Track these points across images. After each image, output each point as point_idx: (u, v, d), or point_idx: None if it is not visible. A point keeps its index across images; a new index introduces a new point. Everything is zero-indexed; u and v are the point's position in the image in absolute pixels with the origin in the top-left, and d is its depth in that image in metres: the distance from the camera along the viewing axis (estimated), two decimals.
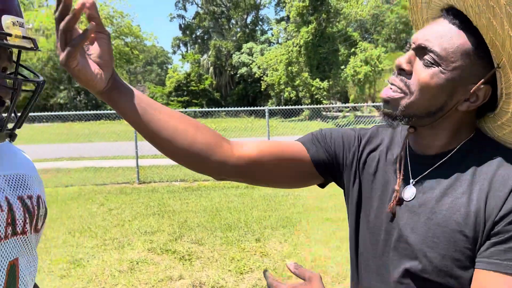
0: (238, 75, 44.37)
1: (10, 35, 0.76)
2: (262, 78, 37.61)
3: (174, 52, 57.51)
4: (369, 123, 20.04)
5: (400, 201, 0.86)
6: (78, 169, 10.78)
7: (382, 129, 1.01)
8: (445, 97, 0.79)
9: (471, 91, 0.78)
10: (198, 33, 53.22)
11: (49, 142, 15.77)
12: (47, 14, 38.69)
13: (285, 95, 34.56)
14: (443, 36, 0.78)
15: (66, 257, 4.46)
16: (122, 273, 4.04)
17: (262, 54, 39.97)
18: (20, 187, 0.90)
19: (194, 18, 52.13)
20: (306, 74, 31.42)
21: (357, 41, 33.08)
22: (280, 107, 11.71)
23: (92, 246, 4.85)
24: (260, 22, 51.02)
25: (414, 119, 0.83)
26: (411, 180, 0.87)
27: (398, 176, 0.87)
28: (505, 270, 0.72)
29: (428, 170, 0.85)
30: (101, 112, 10.87)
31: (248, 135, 17.48)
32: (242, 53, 43.37)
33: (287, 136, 15.11)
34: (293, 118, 26.69)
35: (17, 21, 0.79)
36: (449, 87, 0.78)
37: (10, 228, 0.84)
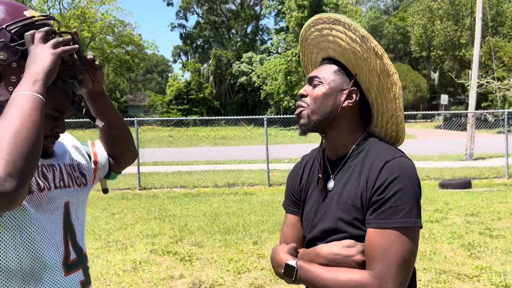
0: (237, 84, 44.72)
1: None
2: (261, 87, 37.96)
3: (175, 61, 57.94)
4: None
5: (326, 190, 1.27)
6: None
7: (313, 150, 1.43)
8: (331, 100, 1.22)
9: (346, 93, 1.22)
10: (198, 42, 53.66)
11: None
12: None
13: (283, 104, 34.86)
14: (321, 69, 1.27)
15: None
16: (126, 272, 4.26)
17: (262, 64, 40.36)
18: (62, 158, 1.28)
19: (194, 28, 52.60)
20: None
21: None
22: (279, 116, 11.97)
23: (96, 247, 5.06)
24: (260, 32, 51.51)
25: (317, 123, 1.23)
26: (331, 176, 1.27)
27: (320, 172, 1.30)
28: (380, 226, 1.10)
29: (338, 168, 1.26)
30: None
31: (248, 144, 17.72)
32: (242, 62, 43.76)
33: (285, 145, 15.34)
34: (292, 127, 26.90)
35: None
36: (331, 93, 1.22)
37: (61, 182, 1.21)
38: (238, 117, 12.21)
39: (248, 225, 5.93)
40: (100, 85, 1.28)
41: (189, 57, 54.86)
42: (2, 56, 1.07)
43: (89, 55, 1.23)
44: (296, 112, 1.27)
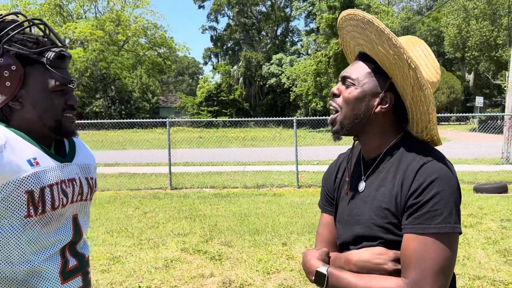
0: (267, 86, 44.80)
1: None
2: (291, 89, 37.90)
3: (206, 63, 58.50)
4: None
5: (356, 193, 1.25)
6: (113, 175, 11.30)
7: (349, 149, 1.39)
8: (363, 105, 1.18)
9: (380, 97, 1.17)
10: (229, 45, 54.08)
11: None
12: (86, 25, 40.26)
13: (311, 106, 34.67)
14: (355, 67, 1.21)
15: (106, 254, 4.83)
16: (157, 270, 4.36)
17: (292, 65, 40.30)
18: (86, 172, 1.36)
19: (225, 30, 53.04)
20: (334, 85, 31.46)
21: None
22: (308, 118, 11.89)
23: (129, 245, 5.20)
24: (290, 34, 51.45)
25: (349, 127, 1.20)
26: (363, 177, 1.24)
27: (348, 173, 1.29)
28: (417, 231, 1.06)
29: (371, 169, 1.23)
30: (135, 120, 11.36)
31: (277, 145, 17.72)
32: (271, 64, 43.83)
33: (314, 146, 15.28)
34: (321, 129, 26.75)
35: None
36: (363, 96, 1.17)
37: (79, 196, 1.29)
38: (268, 118, 12.24)
39: (277, 226, 5.95)
40: None
41: (220, 59, 55.37)
42: None
43: None
44: (329, 119, 1.24)
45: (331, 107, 1.24)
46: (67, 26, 40.56)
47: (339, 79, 1.26)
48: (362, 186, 1.23)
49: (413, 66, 1.08)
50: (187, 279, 4.12)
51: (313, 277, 1.18)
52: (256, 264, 4.47)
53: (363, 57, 1.22)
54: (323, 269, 1.17)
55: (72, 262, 1.22)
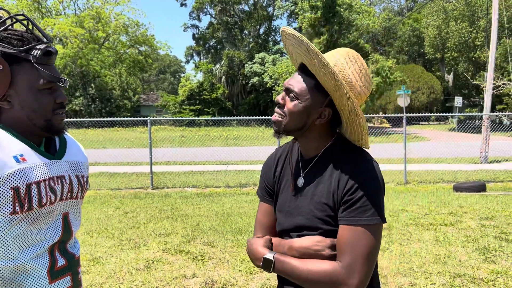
0: (250, 85, 44.70)
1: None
2: (273, 88, 37.92)
3: (188, 62, 58.07)
4: (380, 134, 20.10)
5: (296, 187, 1.38)
6: (93, 174, 11.11)
7: (286, 145, 1.52)
8: (305, 117, 1.30)
9: (320, 112, 1.29)
10: (211, 43, 53.78)
11: None
12: (65, 22, 39.53)
13: None
14: (298, 81, 1.30)
15: (86, 255, 4.72)
16: (138, 271, 4.28)
17: (274, 64, 40.31)
18: (77, 169, 1.33)
19: (207, 28, 52.71)
20: None
21: (369, 52, 33.24)
22: None
23: (109, 246, 5.10)
24: (272, 33, 51.44)
25: (291, 132, 1.34)
26: (302, 174, 1.38)
27: (291, 171, 1.41)
28: (350, 223, 1.23)
29: (309, 167, 1.36)
30: (115, 119, 11.18)
31: (259, 144, 17.70)
32: (254, 63, 43.73)
33: None
34: None
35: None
36: (305, 111, 1.29)
37: (69, 194, 1.27)
38: (250, 117, 12.22)
39: None
40: None
41: (202, 58, 55.00)
42: None
43: None
44: (273, 118, 1.35)
45: (276, 114, 1.34)
46: (45, 21, 39.75)
47: (284, 87, 1.35)
48: (301, 182, 1.37)
49: (352, 99, 1.21)
50: (169, 280, 4.05)
51: (261, 263, 1.31)
52: (239, 264, 4.44)
53: (305, 69, 1.30)
54: (269, 255, 1.30)
55: (61, 262, 1.21)
